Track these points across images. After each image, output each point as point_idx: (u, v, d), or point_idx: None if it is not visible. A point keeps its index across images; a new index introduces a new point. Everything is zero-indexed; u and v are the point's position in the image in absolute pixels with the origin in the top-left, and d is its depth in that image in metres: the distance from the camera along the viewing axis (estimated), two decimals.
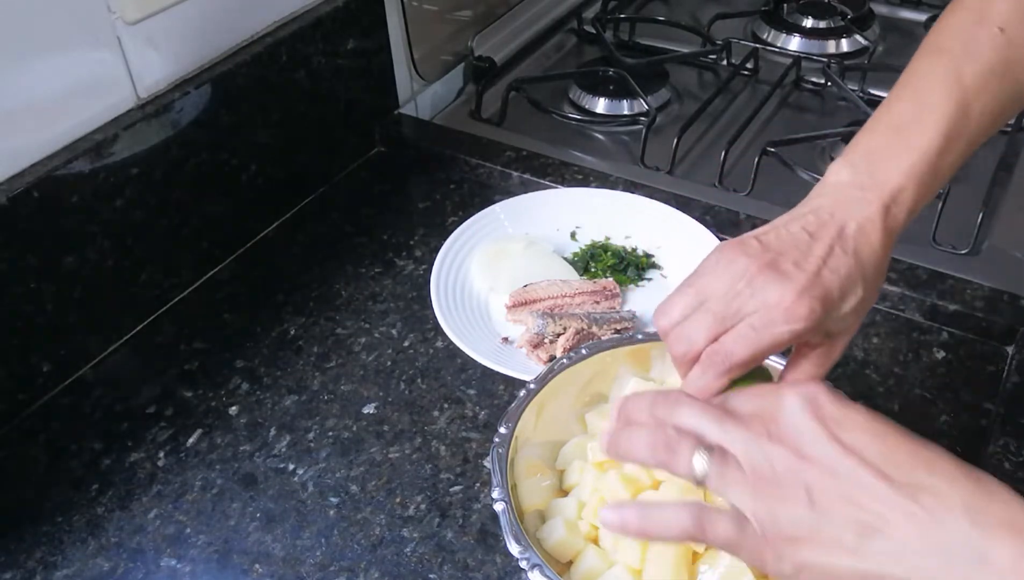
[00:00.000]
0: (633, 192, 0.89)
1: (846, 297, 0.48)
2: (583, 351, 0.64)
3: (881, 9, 1.24)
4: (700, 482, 0.44)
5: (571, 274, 0.82)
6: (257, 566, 0.62)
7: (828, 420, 0.42)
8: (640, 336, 0.65)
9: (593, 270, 0.83)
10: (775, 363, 0.60)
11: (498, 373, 0.72)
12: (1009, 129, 1.00)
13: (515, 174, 0.94)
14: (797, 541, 0.41)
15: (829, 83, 1.08)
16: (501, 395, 0.72)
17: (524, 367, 0.71)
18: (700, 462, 0.43)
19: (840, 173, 0.52)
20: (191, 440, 0.70)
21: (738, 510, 0.42)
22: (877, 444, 0.41)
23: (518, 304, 0.78)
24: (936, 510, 0.39)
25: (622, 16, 1.25)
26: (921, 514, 0.39)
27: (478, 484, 0.66)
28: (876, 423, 0.42)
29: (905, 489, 0.39)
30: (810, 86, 1.11)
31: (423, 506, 0.65)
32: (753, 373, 0.49)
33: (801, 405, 0.43)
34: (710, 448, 0.44)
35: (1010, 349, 0.75)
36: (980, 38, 0.54)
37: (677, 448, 0.44)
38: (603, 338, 0.72)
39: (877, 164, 0.51)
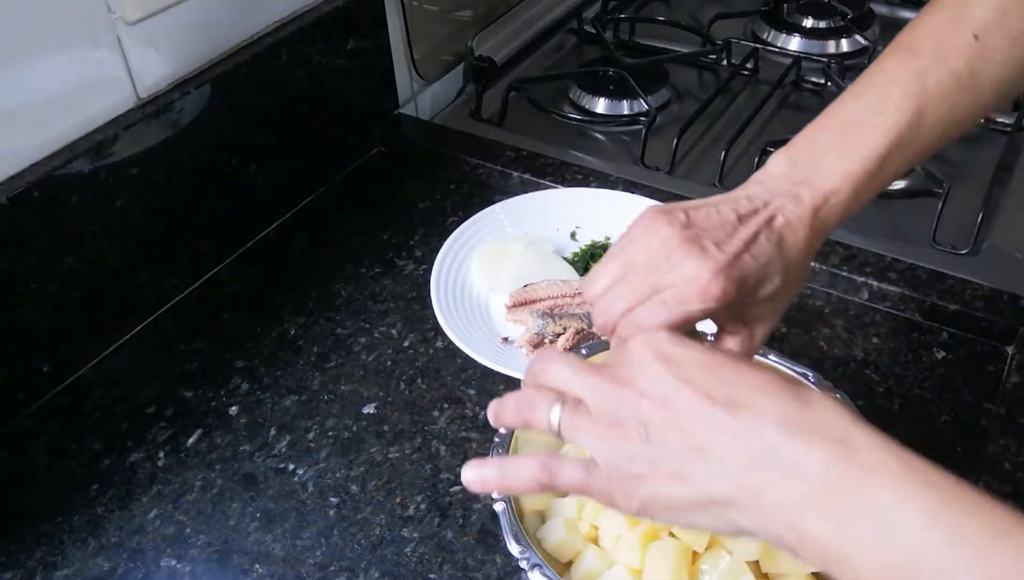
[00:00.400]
0: (633, 192, 0.89)
1: (762, 284, 0.49)
2: (583, 351, 0.64)
3: (881, 9, 1.24)
4: (556, 433, 0.45)
5: (571, 274, 0.82)
6: (257, 566, 0.62)
7: (666, 358, 0.43)
8: None
9: None
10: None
11: (498, 373, 0.72)
12: (1009, 129, 1.00)
13: (515, 174, 0.94)
14: (639, 477, 0.42)
15: (829, 83, 1.08)
16: (501, 395, 0.72)
17: (524, 367, 0.71)
18: (555, 414, 0.45)
19: (779, 164, 0.52)
20: (191, 440, 0.70)
21: (586, 456, 0.44)
22: (707, 373, 0.42)
23: (518, 304, 0.78)
24: (752, 423, 0.40)
25: (622, 16, 1.25)
26: (738, 429, 0.40)
27: None
28: (709, 355, 0.43)
29: (726, 407, 0.40)
30: (810, 86, 1.11)
31: (423, 506, 0.65)
32: None
33: (642, 348, 0.44)
34: (570, 402, 0.45)
35: (1010, 349, 0.75)
36: (953, 43, 0.53)
37: (538, 404, 0.46)
38: (603, 338, 0.72)
39: (817, 162, 0.51)
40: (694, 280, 0.47)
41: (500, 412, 0.49)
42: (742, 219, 0.49)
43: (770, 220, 0.49)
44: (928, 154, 0.54)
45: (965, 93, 0.53)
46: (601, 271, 0.50)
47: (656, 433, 0.42)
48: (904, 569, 0.36)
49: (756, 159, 0.92)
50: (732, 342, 0.51)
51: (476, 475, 0.47)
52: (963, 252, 0.83)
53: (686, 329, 0.48)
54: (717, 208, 0.50)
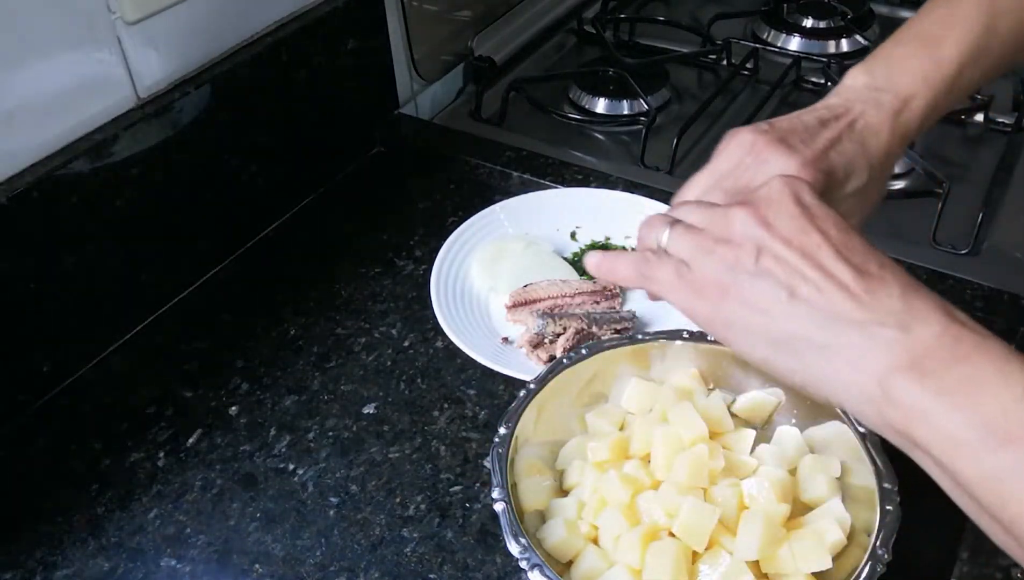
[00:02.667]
0: (633, 192, 0.89)
1: (850, 178, 0.50)
2: (583, 351, 0.64)
3: (881, 9, 1.24)
4: (663, 247, 0.46)
5: (571, 274, 0.82)
6: (257, 566, 0.62)
7: (802, 204, 0.44)
8: (640, 336, 0.65)
9: None
10: None
11: (498, 373, 0.72)
12: (1009, 129, 1.00)
13: (515, 174, 0.94)
14: (730, 291, 0.43)
15: (829, 83, 1.08)
16: (501, 395, 0.72)
17: (524, 367, 0.71)
18: (665, 231, 0.46)
19: (857, 77, 0.54)
20: (191, 440, 0.70)
21: (684, 260, 0.45)
22: (841, 235, 0.43)
23: (518, 304, 0.78)
24: (875, 288, 0.41)
25: (622, 16, 1.25)
26: (860, 290, 0.41)
27: (478, 484, 0.66)
28: (845, 222, 0.44)
29: (854, 270, 0.41)
30: (810, 86, 1.11)
31: (423, 506, 0.65)
32: None
33: (782, 184, 0.44)
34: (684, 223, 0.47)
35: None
36: None
37: (655, 225, 0.47)
38: (603, 338, 0.72)
39: (895, 70, 0.53)
40: (785, 172, 0.48)
41: (614, 255, 0.50)
42: (824, 123, 0.51)
43: (852, 123, 0.51)
44: (1002, 69, 0.55)
45: None
46: (690, 183, 0.52)
47: (768, 259, 0.42)
48: (991, 429, 0.37)
49: None
50: None
51: (596, 259, 0.50)
52: (963, 252, 0.83)
53: None
54: (799, 116, 0.52)
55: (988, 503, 0.37)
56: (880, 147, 0.51)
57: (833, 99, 0.53)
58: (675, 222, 0.47)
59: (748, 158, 0.50)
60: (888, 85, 0.52)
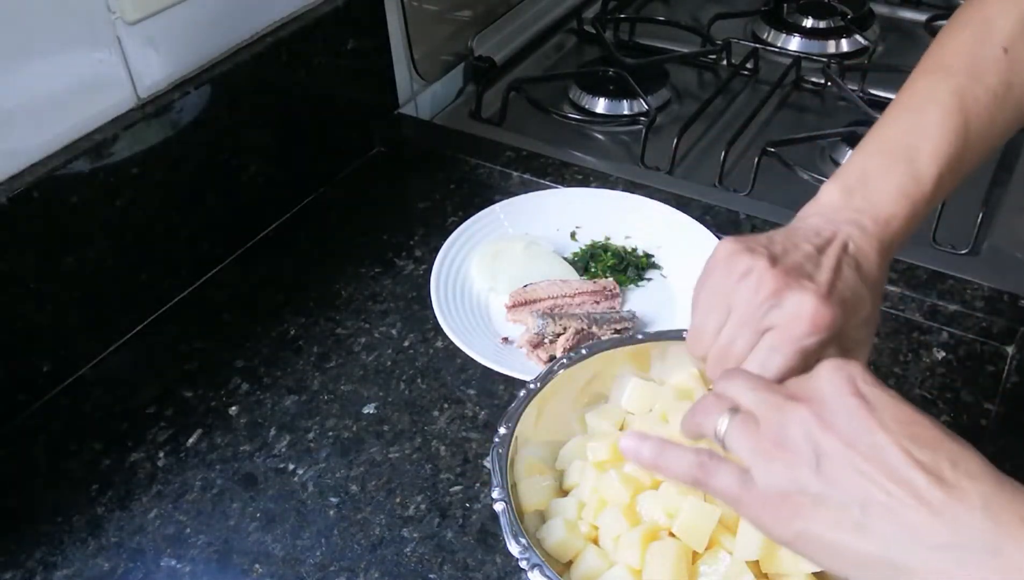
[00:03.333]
0: (633, 192, 0.89)
1: (857, 309, 0.49)
2: (583, 351, 0.64)
3: (881, 9, 1.24)
4: (720, 440, 0.44)
5: (571, 274, 0.82)
6: (257, 566, 0.62)
7: (859, 395, 0.41)
8: (640, 336, 0.65)
9: (593, 270, 0.84)
10: None
11: (498, 373, 0.72)
12: None
13: (515, 174, 0.94)
14: (798, 507, 0.40)
15: (829, 83, 1.09)
16: (501, 395, 0.72)
17: (524, 367, 0.71)
18: (723, 421, 0.44)
19: (833, 194, 0.52)
20: (191, 440, 0.70)
21: (746, 468, 0.42)
22: (905, 427, 0.39)
23: (518, 304, 0.78)
24: (954, 502, 0.37)
25: (622, 16, 1.25)
26: (937, 503, 0.37)
27: (478, 484, 0.66)
28: (908, 408, 0.41)
29: (930, 478, 0.38)
30: (810, 86, 1.11)
31: (423, 506, 0.65)
32: None
33: (834, 375, 0.42)
34: (742, 413, 0.44)
35: (1010, 349, 0.75)
36: (985, 58, 0.53)
37: (711, 409, 0.45)
38: (603, 338, 0.72)
39: (872, 190, 0.51)
40: (800, 314, 0.46)
41: (683, 419, 0.48)
42: (821, 250, 0.49)
43: (845, 246, 0.49)
44: (973, 169, 0.54)
45: (1003, 105, 0.53)
46: (703, 323, 0.50)
47: (832, 467, 0.39)
48: None
49: (756, 159, 0.92)
50: None
51: (635, 445, 0.46)
52: (963, 252, 0.83)
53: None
54: (794, 242, 0.50)
55: None
56: (872, 270, 0.50)
57: (815, 220, 0.51)
58: (734, 410, 0.44)
59: (760, 295, 0.47)
60: (867, 206, 0.50)
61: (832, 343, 0.48)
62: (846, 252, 0.49)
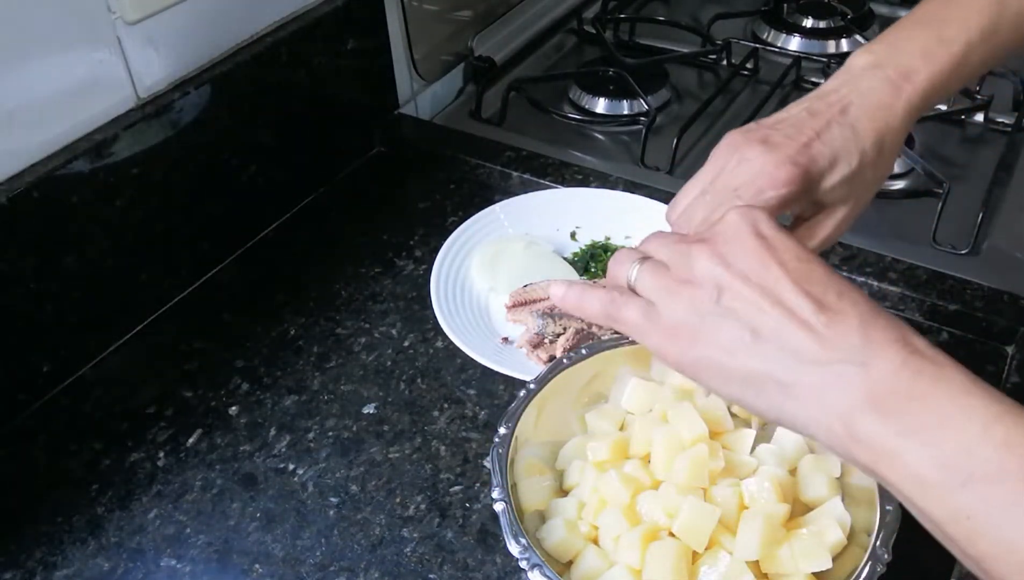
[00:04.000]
0: (633, 192, 0.89)
1: (836, 165, 0.51)
2: (583, 351, 0.64)
3: (881, 9, 1.24)
4: (632, 286, 0.47)
5: (571, 274, 0.82)
6: (257, 566, 0.62)
7: (760, 235, 0.44)
8: None
9: (593, 270, 0.83)
10: None
11: (498, 373, 0.72)
12: (1009, 129, 1.00)
13: (515, 174, 0.94)
14: (697, 334, 0.43)
15: None
16: (501, 395, 0.72)
17: (524, 367, 0.71)
18: (635, 268, 0.47)
19: (859, 58, 0.54)
20: (191, 440, 0.70)
21: (651, 302, 0.45)
22: (799, 264, 0.43)
23: (518, 304, 0.78)
24: (835, 324, 0.41)
25: (622, 16, 1.25)
26: (820, 326, 0.41)
27: (478, 484, 0.66)
28: (803, 250, 0.44)
29: (815, 304, 0.41)
30: (810, 86, 1.10)
31: (423, 506, 0.65)
32: None
33: (737, 219, 0.45)
34: (652, 261, 0.47)
35: (1010, 349, 0.75)
36: None
37: (623, 261, 0.48)
38: (603, 338, 0.72)
39: (898, 50, 0.53)
40: (761, 171, 0.49)
41: (581, 289, 0.50)
42: (813, 113, 0.51)
43: (844, 109, 0.51)
44: (1011, 52, 0.55)
45: None
46: (681, 192, 0.53)
47: (730, 299, 0.43)
48: (954, 468, 0.37)
49: None
50: (811, 226, 0.53)
51: (561, 290, 0.50)
52: (963, 252, 0.83)
53: None
54: (789, 111, 0.53)
55: (958, 540, 0.38)
56: (877, 128, 0.51)
57: (830, 83, 0.54)
58: (644, 259, 0.47)
59: (732, 161, 0.51)
60: (889, 62, 0.53)
61: (801, 199, 0.50)
62: (844, 113, 0.51)
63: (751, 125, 0.52)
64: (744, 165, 0.50)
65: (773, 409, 0.42)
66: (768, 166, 0.49)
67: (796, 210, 0.53)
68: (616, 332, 0.73)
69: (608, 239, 0.86)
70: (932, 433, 0.38)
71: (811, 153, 0.50)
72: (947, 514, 0.37)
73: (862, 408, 0.39)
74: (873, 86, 0.52)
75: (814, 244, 0.54)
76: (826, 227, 0.53)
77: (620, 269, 0.48)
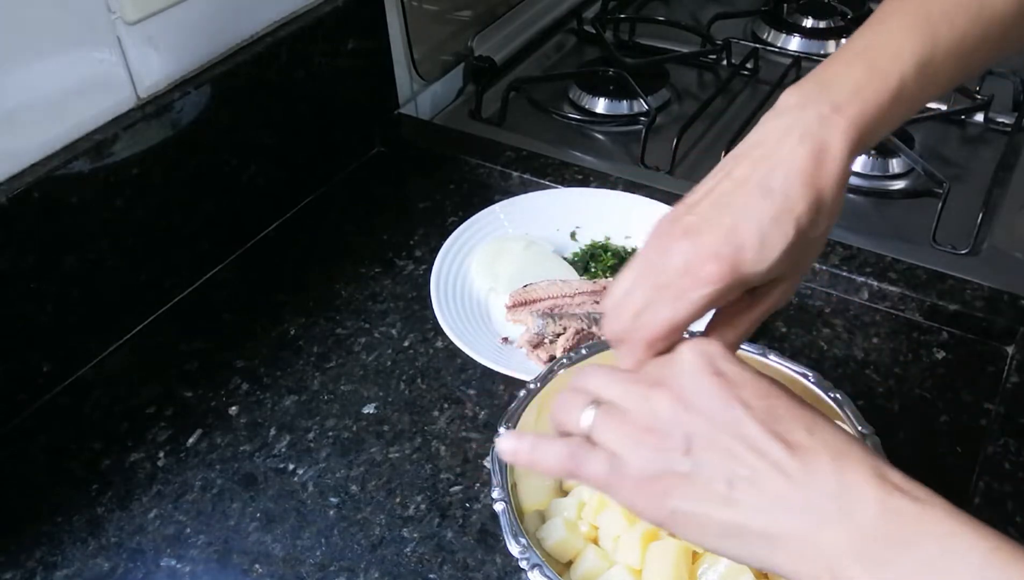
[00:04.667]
0: (633, 192, 0.89)
1: (767, 245, 0.45)
2: (583, 351, 0.64)
3: None
4: (587, 434, 0.44)
5: (571, 274, 0.82)
6: (257, 566, 0.62)
7: (718, 374, 0.42)
8: None
9: (593, 270, 0.84)
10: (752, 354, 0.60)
11: (498, 373, 0.72)
12: (1009, 129, 1.00)
13: (515, 174, 0.94)
14: (669, 488, 0.41)
15: None
16: (501, 395, 0.72)
17: (524, 367, 0.71)
18: (588, 415, 0.44)
19: (790, 96, 0.50)
20: (191, 440, 0.70)
21: (614, 453, 0.43)
22: (763, 401, 0.41)
23: (518, 304, 0.78)
24: (809, 468, 0.39)
25: (622, 16, 1.25)
26: (793, 470, 0.39)
27: (478, 484, 0.66)
28: (765, 383, 0.42)
29: (784, 445, 0.40)
30: None
31: (423, 506, 0.65)
32: None
33: (693, 358, 0.43)
34: (605, 405, 0.44)
35: (1010, 349, 0.75)
36: None
37: (571, 405, 0.45)
38: (603, 338, 0.72)
39: (828, 83, 0.49)
40: (686, 269, 0.45)
41: (549, 418, 0.47)
42: (738, 184, 0.47)
43: (770, 171, 0.47)
44: (947, 87, 0.52)
45: (973, 22, 0.51)
46: (615, 282, 0.49)
47: (700, 450, 0.41)
48: None
49: None
50: (728, 316, 0.49)
51: (511, 446, 0.47)
52: (963, 252, 0.83)
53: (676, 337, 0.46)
54: (713, 177, 0.49)
55: None
56: (811, 187, 0.46)
57: (755, 134, 0.50)
58: (596, 402, 0.45)
59: (656, 253, 0.47)
60: (818, 98, 0.48)
61: (735, 288, 0.46)
62: (769, 177, 0.46)
63: (679, 209, 0.48)
64: (668, 261, 0.46)
65: (758, 560, 0.41)
66: (692, 264, 0.45)
67: (732, 298, 0.47)
68: None
69: (608, 239, 0.86)
70: None
71: (737, 240, 0.45)
72: None
73: (848, 559, 0.38)
74: (803, 134, 0.47)
75: (756, 316, 0.49)
76: (770, 298, 0.49)
77: (569, 415, 0.45)
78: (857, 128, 0.47)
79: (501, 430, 0.58)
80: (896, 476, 0.39)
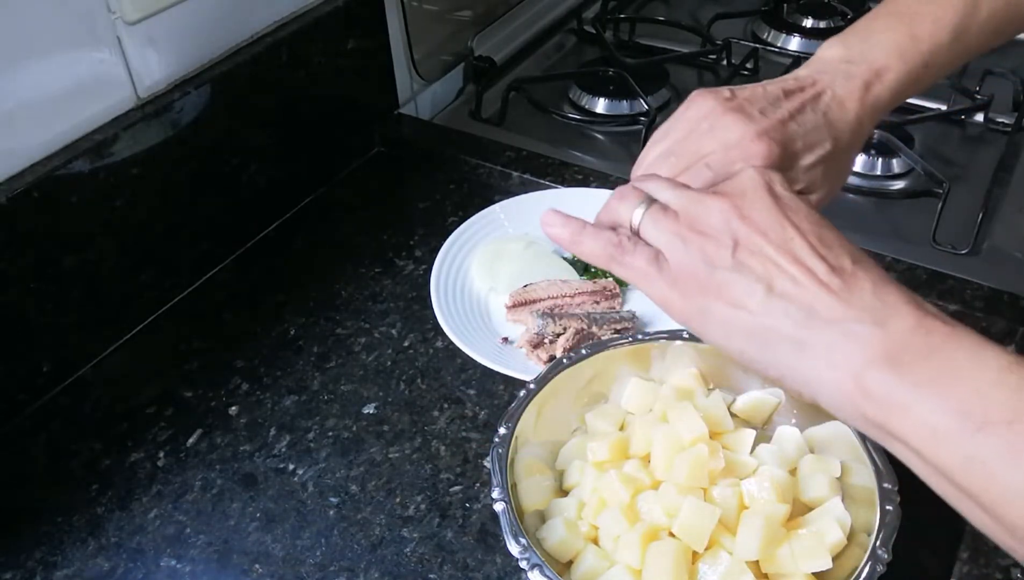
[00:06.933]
0: None
1: (811, 148, 0.50)
2: (583, 351, 0.64)
3: None
4: (636, 227, 0.45)
5: (571, 274, 0.82)
6: (257, 566, 0.62)
7: (777, 196, 0.44)
8: (640, 336, 0.65)
9: (593, 270, 0.83)
10: None
11: (498, 373, 0.72)
12: (1009, 129, 1.00)
13: (515, 174, 0.94)
14: (707, 285, 0.43)
15: None
16: (501, 395, 0.72)
17: (524, 367, 0.71)
18: (639, 211, 0.45)
19: (831, 48, 0.53)
20: (191, 440, 0.70)
21: (659, 250, 0.44)
22: (814, 228, 0.43)
23: (518, 304, 0.78)
24: (849, 285, 0.41)
25: (622, 16, 1.25)
26: (834, 286, 0.41)
27: (478, 484, 0.66)
28: (817, 215, 0.44)
29: (829, 266, 0.41)
30: None
31: (423, 506, 0.65)
32: None
33: (755, 176, 0.44)
34: (659, 204, 0.46)
35: (1010, 349, 0.74)
36: None
37: (628, 199, 0.46)
38: (603, 338, 0.72)
39: (870, 43, 0.52)
40: (738, 142, 0.47)
41: (599, 211, 0.48)
42: (788, 94, 0.50)
43: (817, 96, 0.50)
44: (981, 49, 0.55)
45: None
46: (647, 149, 0.51)
47: (745, 253, 0.42)
48: (969, 414, 0.37)
49: None
50: None
51: (558, 227, 0.47)
52: (963, 252, 0.83)
53: None
54: (763, 86, 0.51)
55: (969, 487, 0.38)
56: (846, 119, 0.51)
57: (803, 70, 0.53)
58: (650, 201, 0.46)
59: (704, 123, 0.49)
60: (861, 58, 0.52)
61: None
62: (817, 100, 0.50)
63: (724, 91, 0.51)
64: (717, 132, 0.49)
65: (779, 365, 0.42)
66: (744, 138, 0.48)
67: None
68: (616, 332, 0.73)
69: None
70: (947, 382, 0.38)
71: (787, 131, 0.49)
72: (960, 461, 0.37)
73: (876, 364, 0.39)
74: (843, 81, 0.51)
75: None
76: None
77: (623, 207, 0.46)
78: (889, 93, 0.51)
79: (501, 429, 0.58)
80: (931, 307, 0.41)
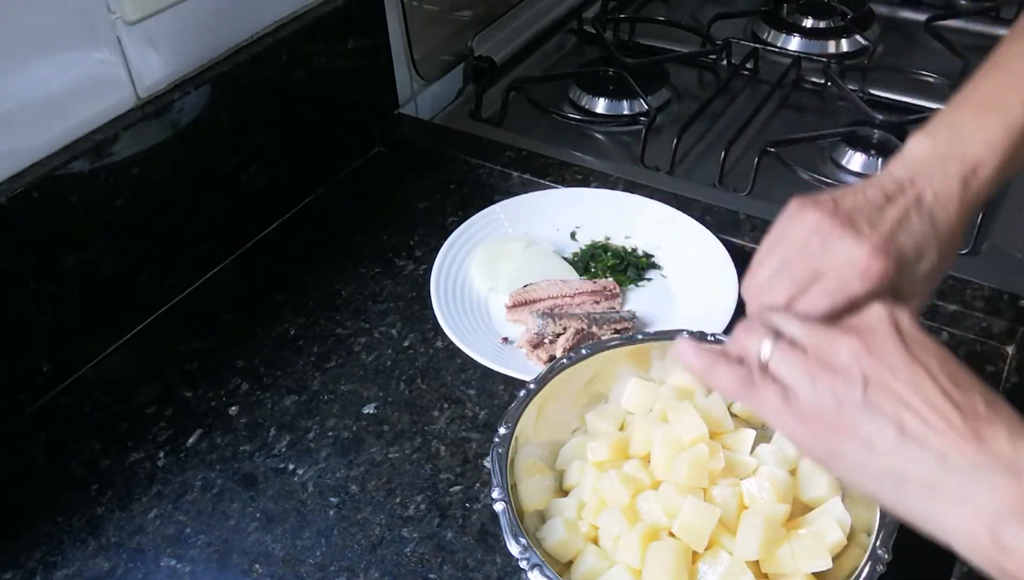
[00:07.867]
0: (633, 192, 0.89)
1: (920, 259, 0.49)
2: (583, 351, 0.64)
3: (881, 9, 1.24)
4: (763, 364, 0.45)
5: (571, 274, 0.82)
6: (257, 566, 0.62)
7: (905, 333, 0.43)
8: (640, 336, 0.65)
9: (593, 270, 0.84)
10: None
11: (498, 373, 0.72)
12: None
13: (515, 174, 0.94)
14: (838, 426, 0.42)
15: (829, 83, 1.08)
16: (501, 395, 0.72)
17: (524, 367, 0.71)
18: (767, 345, 0.45)
19: (920, 144, 0.51)
20: (191, 440, 0.70)
21: (790, 386, 0.44)
22: (945, 367, 0.42)
23: (518, 304, 0.78)
24: (982, 431, 0.40)
25: (622, 16, 1.25)
26: (968, 433, 0.40)
27: (478, 484, 0.66)
28: (950, 356, 0.43)
29: (959, 410, 0.40)
30: (810, 86, 1.10)
31: (423, 506, 0.65)
32: None
33: (883, 313, 0.44)
34: (785, 338, 0.45)
35: (1010, 349, 0.75)
36: None
37: (752, 334, 0.46)
38: (603, 338, 0.72)
39: (959, 136, 0.51)
40: (853, 261, 0.47)
41: (727, 342, 0.48)
42: (890, 199, 0.49)
43: (918, 198, 0.49)
44: None
45: None
46: (759, 267, 0.50)
47: (877, 394, 0.42)
48: None
49: (756, 159, 0.92)
50: None
51: (690, 351, 0.48)
52: (963, 252, 0.83)
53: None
54: (863, 191, 0.50)
55: None
56: (948, 221, 0.49)
57: (897, 169, 0.51)
58: (777, 335, 0.45)
59: (815, 241, 0.48)
60: (953, 152, 0.50)
61: (883, 293, 0.48)
62: (919, 203, 0.49)
63: (826, 202, 0.49)
64: (829, 250, 0.47)
65: (911, 509, 0.41)
66: (858, 257, 0.46)
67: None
68: (616, 332, 0.73)
69: (608, 239, 0.86)
70: None
71: (898, 245, 0.47)
72: None
73: (1011, 517, 0.38)
74: (940, 179, 0.49)
75: None
76: None
77: (750, 341, 0.46)
78: (986, 187, 0.50)
79: (501, 429, 0.58)
80: None
